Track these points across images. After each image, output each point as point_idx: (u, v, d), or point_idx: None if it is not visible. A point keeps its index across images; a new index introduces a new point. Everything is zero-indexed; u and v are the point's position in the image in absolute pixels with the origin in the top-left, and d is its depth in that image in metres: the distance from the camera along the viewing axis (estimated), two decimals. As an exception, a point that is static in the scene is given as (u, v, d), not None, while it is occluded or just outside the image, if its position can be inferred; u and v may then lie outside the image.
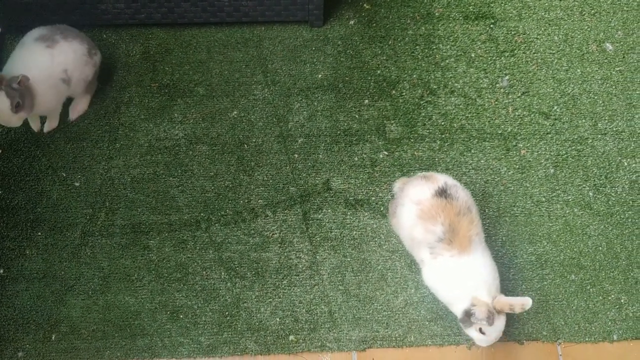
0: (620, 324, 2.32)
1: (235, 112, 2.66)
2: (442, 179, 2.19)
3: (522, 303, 1.96)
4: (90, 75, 2.55)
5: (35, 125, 2.58)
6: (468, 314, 2.05)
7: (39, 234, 2.42)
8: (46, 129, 2.58)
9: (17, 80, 2.24)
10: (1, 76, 2.22)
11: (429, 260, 2.13)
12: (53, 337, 2.26)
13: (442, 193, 2.13)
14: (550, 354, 2.28)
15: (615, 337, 2.30)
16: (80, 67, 2.48)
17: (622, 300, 2.36)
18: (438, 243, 2.09)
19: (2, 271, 2.35)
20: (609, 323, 2.32)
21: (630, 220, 2.48)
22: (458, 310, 2.12)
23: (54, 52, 2.39)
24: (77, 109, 2.62)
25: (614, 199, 2.52)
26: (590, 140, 2.63)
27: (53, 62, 2.39)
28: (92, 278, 2.35)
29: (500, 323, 2.05)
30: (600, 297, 2.36)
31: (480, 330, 2.05)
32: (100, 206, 2.47)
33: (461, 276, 2.08)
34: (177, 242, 2.41)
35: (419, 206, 2.14)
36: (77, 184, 2.51)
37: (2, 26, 2.78)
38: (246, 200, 2.49)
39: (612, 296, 2.36)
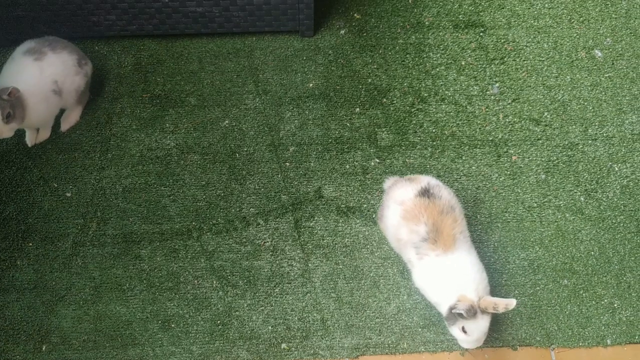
0: (613, 329, 2.31)
1: (227, 122, 2.67)
2: (425, 180, 2.20)
3: (506, 303, 1.96)
4: (82, 85, 2.56)
5: (30, 139, 2.58)
6: (452, 310, 2.03)
7: (30, 244, 2.41)
8: (38, 140, 2.59)
9: (7, 92, 2.25)
10: None
11: (416, 261, 2.13)
12: (44, 348, 2.24)
13: (425, 193, 2.14)
14: (543, 359, 2.27)
15: (609, 341, 2.29)
16: (71, 77, 2.49)
17: (615, 305, 2.35)
18: (423, 243, 2.09)
19: (-8, 282, 2.34)
20: (603, 328, 2.31)
21: (622, 224, 2.48)
22: (444, 309, 2.11)
23: (42, 64, 2.41)
24: (69, 120, 2.63)
25: (605, 203, 2.52)
26: (581, 146, 2.64)
27: (42, 75, 2.41)
28: (83, 288, 2.34)
29: (483, 323, 2.03)
30: (593, 302, 2.35)
31: (463, 329, 2.03)
32: (92, 216, 2.47)
33: (447, 275, 2.07)
34: (169, 251, 2.41)
35: (402, 207, 2.15)
36: (68, 195, 2.51)
37: (-5, 39, 2.79)
38: (238, 209, 2.49)
39: (605, 301, 2.35)
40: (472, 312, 1.96)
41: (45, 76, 2.41)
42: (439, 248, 2.08)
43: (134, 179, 2.54)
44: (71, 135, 2.63)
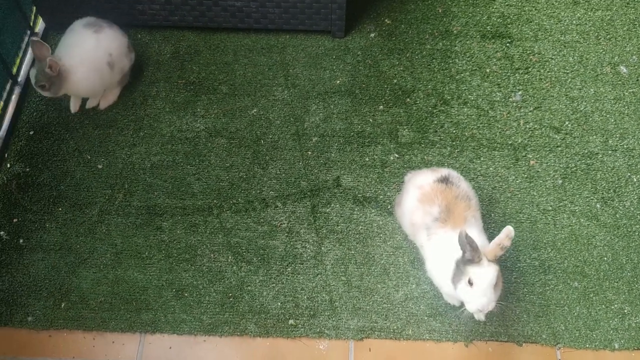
0: (622, 334, 2.30)
1: (255, 110, 2.79)
2: (446, 170, 2.26)
3: (505, 234, 1.91)
4: (127, 67, 2.72)
5: (74, 106, 2.74)
6: (459, 262, 1.99)
7: (60, 209, 2.54)
8: (89, 104, 2.76)
9: (47, 65, 2.41)
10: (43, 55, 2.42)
11: (426, 244, 2.16)
12: (62, 305, 2.35)
13: (444, 180, 2.20)
14: (548, 357, 2.26)
15: (616, 345, 2.28)
16: (122, 56, 2.67)
17: (625, 311, 2.34)
18: (434, 223, 2.12)
19: (22, 241, 2.47)
20: (611, 332, 2.30)
21: (637, 233, 2.48)
22: (452, 299, 2.12)
23: (100, 37, 2.60)
24: (108, 99, 2.79)
25: (621, 212, 2.53)
26: (600, 156, 2.66)
27: (99, 46, 2.59)
28: (105, 253, 2.45)
29: (491, 271, 1.92)
30: (603, 306, 2.35)
31: (469, 282, 1.94)
32: (120, 188, 2.59)
33: (454, 249, 2.01)
34: (189, 226, 2.50)
35: (420, 190, 2.20)
36: (100, 166, 2.64)
37: (46, 22, 2.99)
38: (258, 191, 2.58)
39: (616, 306, 2.35)
40: (477, 255, 1.91)
41: (102, 48, 2.60)
42: (447, 226, 2.11)
43: (163, 156, 2.66)
44: (108, 113, 2.78)
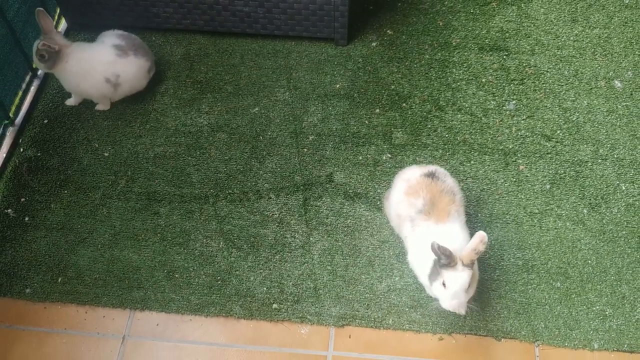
0: (602, 335, 2.31)
1: (257, 109, 2.91)
2: (434, 167, 2.33)
3: (479, 239, 1.98)
4: (141, 87, 2.90)
5: (71, 102, 2.93)
6: (436, 263, 2.06)
7: (65, 192, 2.68)
8: (97, 108, 2.93)
9: (40, 43, 2.62)
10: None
11: (410, 235, 2.22)
12: (59, 280, 2.46)
13: (430, 175, 2.27)
14: (527, 354, 2.28)
15: (596, 345, 2.29)
16: (135, 80, 2.84)
17: (606, 313, 2.35)
18: (418, 215, 2.19)
19: (27, 219, 2.60)
20: (591, 332, 2.31)
21: (623, 239, 2.51)
22: (432, 292, 2.17)
23: (117, 60, 2.76)
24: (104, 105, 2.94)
25: (608, 218, 2.56)
26: (590, 164, 2.71)
27: (109, 65, 2.76)
28: (103, 234, 2.56)
29: (463, 276, 2.01)
30: (584, 307, 2.37)
31: (444, 284, 2.03)
32: (123, 175, 2.72)
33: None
34: (185, 212, 2.61)
35: (407, 183, 2.28)
36: (106, 154, 2.78)
37: (68, 22, 3.19)
38: (253, 183, 2.68)
39: (597, 307, 2.36)
40: (453, 260, 1.98)
41: (111, 68, 2.76)
42: (431, 219, 2.18)
43: (166, 148, 2.80)
44: (118, 106, 2.93)
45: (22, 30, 2.86)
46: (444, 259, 2.00)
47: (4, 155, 2.76)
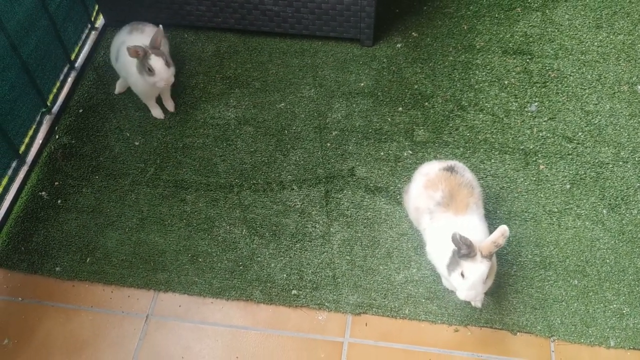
0: (619, 333, 2.31)
1: (283, 105, 3.00)
2: (453, 162, 2.38)
3: (501, 232, 2.01)
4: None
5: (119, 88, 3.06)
6: (455, 254, 2.09)
7: (97, 177, 2.78)
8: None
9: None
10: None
11: (428, 227, 2.27)
12: (88, 260, 2.55)
13: (450, 169, 2.32)
14: (542, 348, 2.30)
15: (612, 343, 2.29)
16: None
17: (624, 311, 2.36)
18: (436, 207, 2.23)
19: (59, 202, 2.71)
20: (608, 330, 2.32)
21: (642, 240, 2.52)
22: (449, 283, 2.21)
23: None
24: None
25: (628, 219, 2.57)
26: (611, 166, 2.72)
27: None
28: (131, 218, 2.66)
29: (482, 267, 2.03)
30: (602, 305, 2.37)
31: (462, 274, 2.06)
32: (152, 163, 2.82)
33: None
34: (210, 200, 2.69)
35: (426, 177, 2.33)
36: (136, 143, 2.89)
37: (106, 19, 3.33)
38: (277, 175, 2.76)
39: (614, 306, 2.37)
40: (472, 251, 2.01)
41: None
42: (450, 211, 2.22)
43: (194, 139, 2.89)
44: (150, 98, 3.04)
45: (62, 23, 2.99)
46: (465, 249, 2.03)
47: (41, 141, 2.88)
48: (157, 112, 2.96)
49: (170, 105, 2.98)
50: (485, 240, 2.06)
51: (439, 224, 2.24)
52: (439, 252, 2.23)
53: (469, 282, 2.05)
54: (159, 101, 2.97)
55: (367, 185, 2.71)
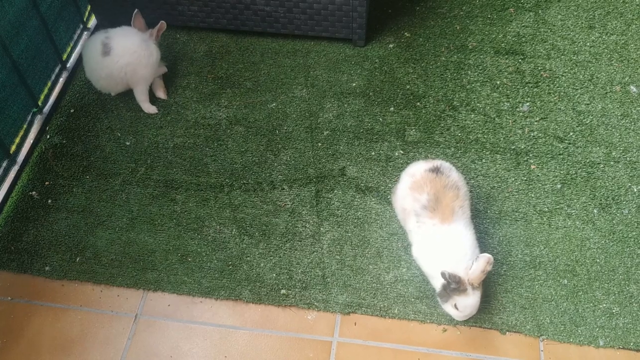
0: (608, 332, 2.30)
1: (274, 105, 3.00)
2: (439, 161, 2.38)
3: (485, 261, 2.06)
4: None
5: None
6: (445, 287, 2.15)
7: (87, 177, 2.78)
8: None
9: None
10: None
11: (415, 230, 2.27)
12: (77, 260, 2.55)
13: (435, 170, 2.32)
14: (531, 348, 2.29)
15: (601, 342, 2.28)
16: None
17: (613, 311, 2.35)
18: (422, 210, 2.24)
19: (50, 201, 2.71)
20: (597, 329, 2.31)
21: (633, 240, 2.51)
22: (437, 284, 2.22)
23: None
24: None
25: (618, 218, 2.57)
26: (602, 166, 2.72)
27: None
28: (121, 217, 2.65)
29: (475, 298, 2.15)
30: (591, 304, 2.37)
31: (456, 307, 2.15)
32: (142, 163, 2.82)
33: (441, 245, 2.20)
34: (200, 200, 2.69)
35: (412, 178, 2.33)
36: (127, 143, 2.88)
37: (98, 20, 3.33)
38: (268, 174, 2.75)
39: (604, 305, 2.36)
40: (462, 285, 2.07)
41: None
42: (436, 217, 2.23)
43: (185, 138, 2.89)
44: (141, 98, 3.04)
45: (54, 23, 2.99)
46: (454, 284, 2.10)
47: (32, 141, 2.88)
48: (149, 108, 2.96)
49: (161, 93, 3.00)
50: (472, 271, 2.10)
51: (426, 230, 2.25)
52: (425, 257, 2.29)
53: (464, 313, 2.15)
54: (150, 95, 3.00)
55: (358, 185, 2.71)
